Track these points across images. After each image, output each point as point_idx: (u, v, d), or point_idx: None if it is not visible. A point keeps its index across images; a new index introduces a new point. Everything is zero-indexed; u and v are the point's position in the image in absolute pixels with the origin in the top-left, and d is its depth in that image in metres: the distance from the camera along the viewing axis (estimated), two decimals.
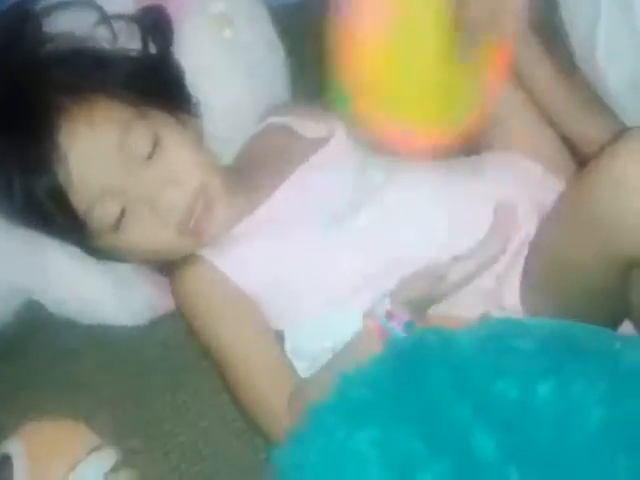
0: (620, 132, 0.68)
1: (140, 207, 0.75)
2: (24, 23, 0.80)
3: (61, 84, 0.76)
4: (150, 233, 0.76)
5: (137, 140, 0.75)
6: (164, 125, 0.77)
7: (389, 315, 0.71)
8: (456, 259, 0.74)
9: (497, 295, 0.76)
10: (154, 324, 0.85)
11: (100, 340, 0.83)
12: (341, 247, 0.77)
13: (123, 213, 0.75)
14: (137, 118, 0.76)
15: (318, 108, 0.89)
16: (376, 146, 0.80)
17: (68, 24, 0.82)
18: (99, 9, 0.83)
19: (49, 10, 0.82)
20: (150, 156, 0.75)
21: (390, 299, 0.72)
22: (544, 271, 0.74)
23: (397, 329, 0.71)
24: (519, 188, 0.81)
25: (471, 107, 0.76)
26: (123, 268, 0.83)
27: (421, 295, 0.73)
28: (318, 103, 0.92)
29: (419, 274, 0.73)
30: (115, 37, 0.83)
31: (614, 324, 0.72)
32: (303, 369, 0.76)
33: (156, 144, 0.76)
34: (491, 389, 0.57)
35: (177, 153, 0.77)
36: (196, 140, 0.82)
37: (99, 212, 0.74)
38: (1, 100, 0.76)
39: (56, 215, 0.74)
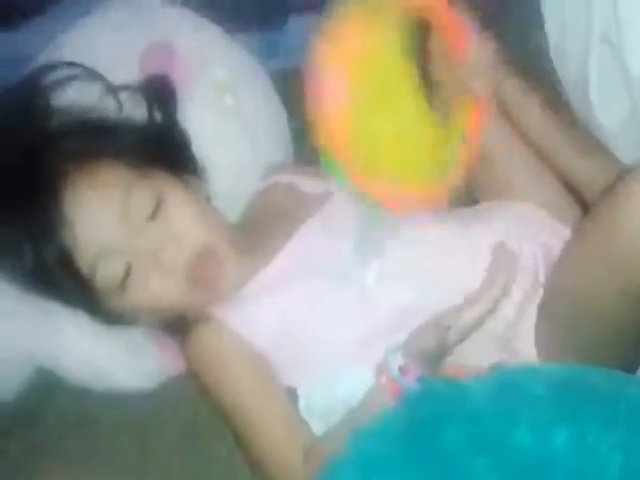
0: (626, 169, 0.68)
1: (144, 266, 0.76)
2: (33, 97, 0.82)
3: (65, 152, 0.78)
4: (156, 290, 0.77)
5: (140, 201, 0.76)
6: (167, 185, 0.79)
7: (402, 370, 0.71)
8: (460, 306, 0.74)
9: (510, 342, 0.76)
10: (164, 386, 0.85)
11: (113, 405, 0.83)
12: (349, 303, 0.77)
13: (128, 272, 0.76)
14: (140, 179, 0.77)
15: (319, 167, 0.91)
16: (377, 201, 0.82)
17: (75, 95, 0.84)
18: (104, 80, 0.85)
19: (57, 83, 0.84)
20: (154, 216, 0.76)
21: (402, 353, 0.72)
22: (560, 315, 0.74)
23: (411, 384, 0.70)
24: (524, 233, 0.81)
25: (454, 162, 0.78)
26: (133, 333, 0.83)
27: (431, 347, 0.73)
28: (319, 164, 0.95)
29: (427, 326, 0.73)
30: (121, 107, 0.85)
31: (632, 367, 0.72)
32: (317, 427, 0.76)
33: (159, 204, 0.77)
34: (506, 439, 0.57)
35: (180, 212, 0.78)
36: (201, 200, 0.83)
37: (103, 273, 0.75)
38: (8, 171, 0.77)
39: (65, 280, 0.75)
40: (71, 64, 0.85)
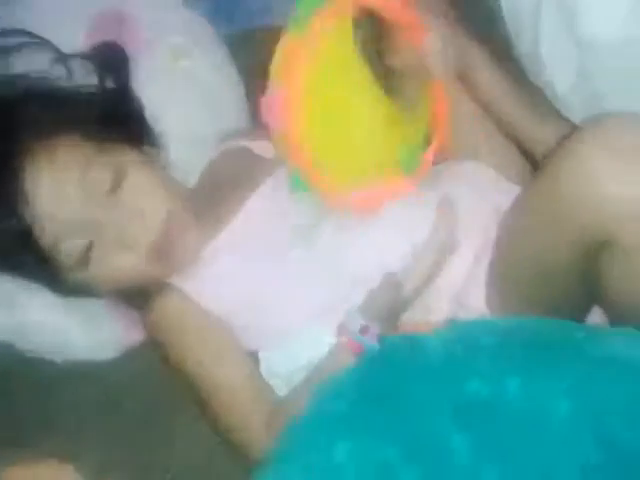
0: (577, 126, 0.69)
1: (107, 240, 0.75)
2: None
3: (21, 125, 0.77)
4: (119, 264, 0.76)
5: (99, 174, 0.75)
6: (126, 158, 0.78)
7: (363, 330, 0.72)
8: (408, 262, 0.75)
9: (463, 299, 0.77)
10: (125, 356, 0.85)
11: (73, 375, 0.83)
12: (307, 264, 0.78)
13: (90, 247, 0.75)
14: (98, 153, 0.77)
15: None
16: None
17: (23, 65, 0.83)
18: (54, 48, 0.84)
19: (5, 51, 0.83)
20: (113, 189, 0.76)
21: (361, 314, 0.73)
22: (510, 271, 0.75)
23: (372, 343, 0.71)
24: (474, 192, 0.82)
25: (422, 146, 0.79)
26: (91, 304, 0.83)
27: (387, 305, 0.73)
28: None
29: (380, 286, 0.74)
30: (71, 75, 0.84)
31: (581, 314, 0.74)
32: (280, 388, 0.77)
33: (119, 177, 0.76)
34: (462, 390, 0.58)
35: (141, 185, 0.77)
36: (159, 171, 0.82)
37: (65, 248, 0.74)
38: None
39: (25, 255, 0.74)
40: (19, 31, 0.83)
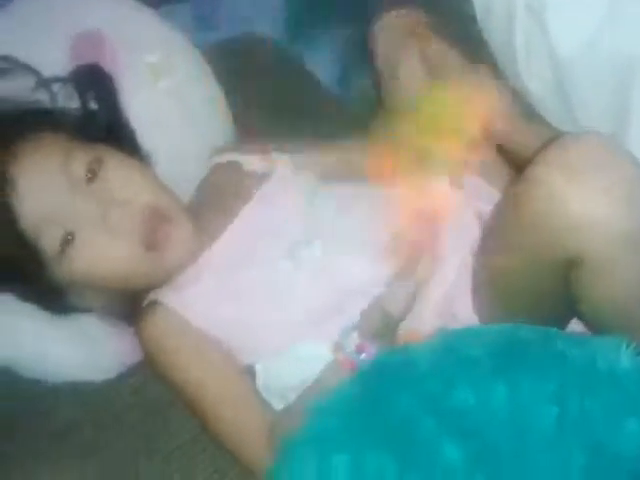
0: (548, 141, 0.71)
1: (90, 229, 0.76)
2: None
3: (7, 127, 0.78)
4: (104, 252, 0.76)
5: (79, 163, 0.76)
6: (107, 150, 0.79)
7: (359, 348, 0.73)
8: (391, 283, 0.76)
9: (450, 308, 0.79)
10: (122, 375, 0.85)
11: (73, 396, 0.83)
12: (297, 279, 0.79)
13: (73, 236, 0.75)
14: (79, 147, 0.78)
15: (260, 144, 0.92)
16: (325, 174, 0.83)
17: (5, 91, 0.83)
18: (36, 73, 0.85)
19: None
20: (94, 178, 0.76)
21: (357, 333, 0.74)
22: (490, 278, 0.77)
23: (368, 360, 0.73)
24: (461, 200, 0.83)
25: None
26: (88, 324, 0.83)
27: (379, 326, 0.75)
28: (259, 139, 0.95)
29: (369, 309, 0.75)
30: (55, 98, 0.85)
31: (563, 323, 0.76)
32: (276, 403, 0.78)
33: (99, 165, 0.77)
34: (450, 400, 0.60)
35: (121, 171, 0.78)
36: (144, 166, 0.83)
37: (47, 238, 0.75)
38: None
39: (14, 253, 0.75)
40: (3, 57, 0.84)
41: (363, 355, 0.73)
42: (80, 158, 0.77)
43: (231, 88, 1.01)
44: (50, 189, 0.75)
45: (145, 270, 0.79)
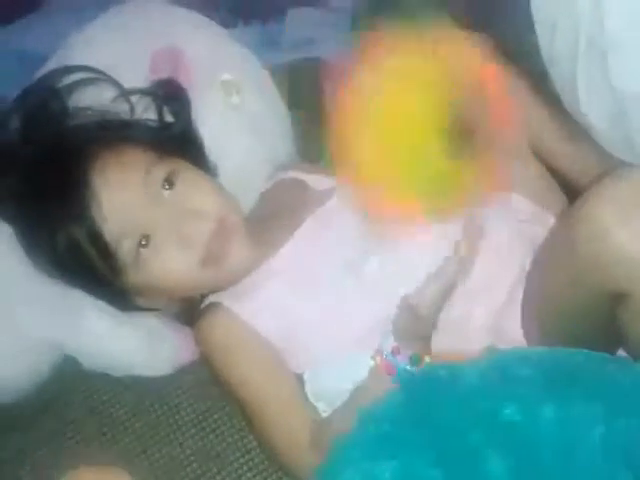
0: (600, 175, 0.72)
1: (164, 236, 0.79)
2: (50, 100, 0.86)
3: (90, 140, 0.82)
4: (174, 264, 0.79)
5: (158, 176, 0.80)
6: (183, 164, 0.83)
7: (395, 351, 0.75)
8: (421, 283, 0.76)
9: (499, 330, 0.80)
10: (179, 372, 0.89)
11: (129, 391, 0.88)
12: (354, 293, 0.81)
13: (147, 242, 0.79)
14: (158, 159, 0.82)
15: (321, 163, 0.96)
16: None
17: (88, 100, 0.88)
18: (117, 84, 0.89)
19: (71, 87, 0.88)
20: (171, 189, 0.80)
21: (393, 336, 0.76)
22: (540, 303, 0.79)
23: (404, 363, 0.75)
24: (512, 223, 0.85)
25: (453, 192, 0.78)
26: (151, 322, 0.87)
27: (410, 327, 0.76)
28: (321, 158, 0.99)
29: (399, 311, 0.76)
30: (133, 109, 0.89)
31: (610, 350, 0.76)
32: (323, 409, 0.80)
33: (176, 180, 0.81)
34: (498, 416, 0.62)
35: (196, 186, 0.82)
36: (214, 180, 0.87)
37: (125, 245, 0.78)
38: (34, 163, 0.81)
39: (93, 258, 0.78)
40: (86, 68, 0.88)
41: (398, 357, 0.74)
42: (159, 170, 0.81)
43: (294, 108, 1.04)
44: (131, 201, 0.79)
45: (202, 281, 0.82)
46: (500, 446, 0.60)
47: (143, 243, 0.79)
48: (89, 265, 0.80)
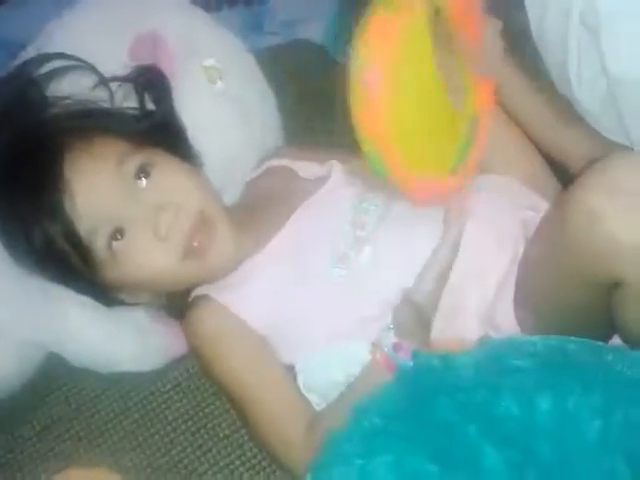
0: (592, 161, 0.71)
1: (139, 230, 0.77)
2: (28, 88, 0.84)
3: (63, 130, 0.80)
4: (151, 257, 0.77)
5: (132, 167, 0.77)
6: (160, 154, 0.81)
7: (396, 347, 0.74)
8: (417, 275, 0.76)
9: (492, 318, 0.79)
10: (167, 367, 0.87)
11: (117, 387, 0.86)
12: (346, 284, 0.80)
13: (121, 235, 0.76)
14: (133, 149, 0.79)
15: (312, 149, 0.94)
16: (375, 184, 0.84)
17: (67, 88, 0.86)
18: (96, 72, 0.87)
19: (48, 75, 0.86)
20: (147, 181, 0.77)
21: (394, 332, 0.75)
22: (533, 291, 0.78)
23: (405, 359, 0.73)
24: (503, 208, 0.84)
25: (470, 145, 0.80)
26: (138, 316, 0.86)
27: (410, 320, 0.75)
28: (310, 144, 0.97)
29: (399, 305, 0.76)
30: (112, 97, 0.87)
31: (605, 337, 0.75)
32: (316, 402, 0.79)
33: (152, 171, 0.78)
34: (493, 408, 0.61)
35: (173, 178, 0.80)
36: (194, 171, 0.84)
37: (98, 237, 0.76)
38: (9, 153, 0.79)
39: (68, 252, 0.76)
40: (64, 55, 0.86)
41: (400, 354, 0.73)
42: (133, 160, 0.78)
43: (281, 91, 1.02)
44: (103, 190, 0.77)
45: (184, 276, 0.80)
46: (496, 439, 0.59)
47: (118, 237, 0.77)
48: (66, 261, 0.78)
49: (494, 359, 0.65)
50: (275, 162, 0.92)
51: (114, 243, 0.77)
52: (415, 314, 0.75)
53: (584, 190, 0.69)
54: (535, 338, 0.68)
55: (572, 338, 0.67)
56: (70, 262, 0.78)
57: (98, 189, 0.77)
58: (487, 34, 0.76)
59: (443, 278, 0.76)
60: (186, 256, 0.78)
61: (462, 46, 0.77)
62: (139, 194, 0.78)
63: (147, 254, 0.77)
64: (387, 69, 0.70)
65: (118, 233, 0.77)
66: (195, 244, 0.78)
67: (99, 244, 0.77)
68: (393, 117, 0.71)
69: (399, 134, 0.72)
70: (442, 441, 0.61)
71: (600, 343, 0.68)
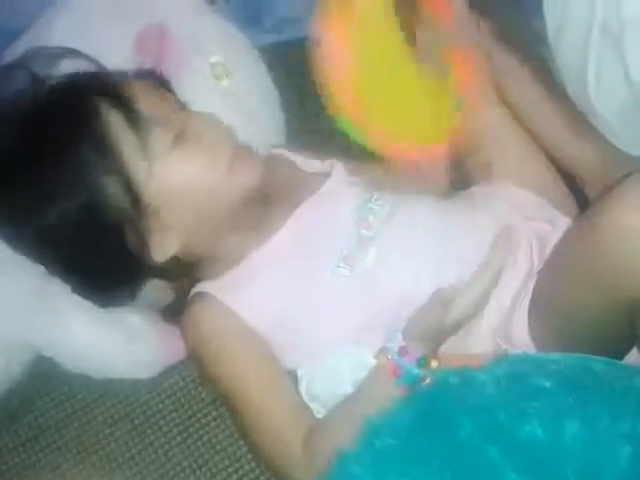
0: (621, 178, 0.69)
1: (196, 138, 0.77)
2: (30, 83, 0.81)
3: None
4: (203, 161, 0.77)
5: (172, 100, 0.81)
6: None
7: (402, 351, 0.72)
8: (459, 285, 0.74)
9: (507, 331, 0.77)
10: (162, 375, 0.84)
11: (110, 394, 0.83)
12: (350, 286, 0.78)
13: (179, 134, 0.77)
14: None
15: (314, 148, 0.91)
16: (378, 182, 0.83)
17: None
18: (100, 67, 0.84)
19: (51, 58, 0.82)
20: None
21: (402, 335, 0.72)
22: (551, 306, 0.76)
23: (410, 365, 0.71)
24: (521, 220, 0.82)
25: (449, 116, 0.80)
26: (133, 322, 0.82)
27: (432, 326, 0.73)
28: (313, 141, 0.94)
29: (427, 305, 0.74)
30: None
31: (620, 354, 0.73)
32: (317, 409, 0.76)
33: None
34: (517, 431, 0.58)
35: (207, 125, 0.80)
36: None
37: (157, 133, 0.75)
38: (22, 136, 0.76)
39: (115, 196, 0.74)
40: (67, 49, 0.83)
41: (405, 358, 0.71)
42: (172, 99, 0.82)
43: (284, 89, 0.99)
44: (166, 109, 0.78)
45: (219, 195, 0.78)
46: (519, 464, 0.56)
47: (179, 137, 0.76)
48: (105, 217, 0.74)
49: (516, 377, 0.62)
50: (281, 151, 0.90)
51: (173, 136, 0.76)
52: (438, 322, 0.73)
53: (617, 205, 0.67)
54: (555, 356, 0.66)
55: (593, 357, 0.65)
56: (107, 218, 0.74)
57: (160, 107, 0.78)
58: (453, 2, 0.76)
59: (482, 302, 0.74)
60: (227, 172, 0.77)
61: (433, 21, 0.77)
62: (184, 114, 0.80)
63: (198, 160, 0.77)
64: (349, 36, 0.73)
65: (177, 130, 0.77)
66: (236, 163, 0.78)
67: (161, 140, 0.75)
68: (362, 85, 0.74)
69: (370, 100, 0.74)
70: (461, 465, 0.58)
71: (622, 363, 0.66)
